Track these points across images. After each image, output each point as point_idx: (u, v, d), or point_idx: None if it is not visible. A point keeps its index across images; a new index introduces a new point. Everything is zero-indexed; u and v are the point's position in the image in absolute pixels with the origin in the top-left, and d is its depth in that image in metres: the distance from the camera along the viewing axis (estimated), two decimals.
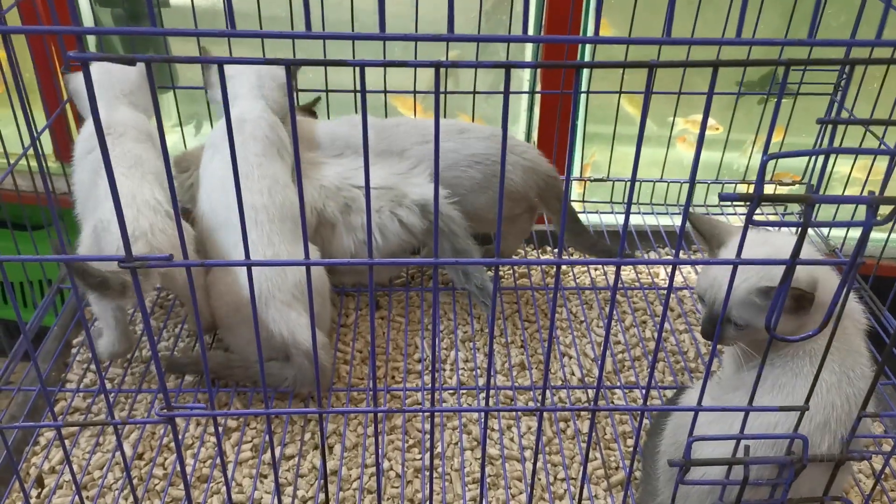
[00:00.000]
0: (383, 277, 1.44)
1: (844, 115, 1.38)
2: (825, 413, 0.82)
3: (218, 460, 1.09)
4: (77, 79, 1.27)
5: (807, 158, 1.52)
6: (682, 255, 1.54)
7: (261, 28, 1.43)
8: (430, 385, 1.23)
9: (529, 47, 1.73)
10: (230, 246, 1.17)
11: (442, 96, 1.71)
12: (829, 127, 1.42)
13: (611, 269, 1.52)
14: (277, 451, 1.10)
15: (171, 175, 0.63)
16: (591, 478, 1.09)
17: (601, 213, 1.66)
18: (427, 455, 1.11)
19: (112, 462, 1.08)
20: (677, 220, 1.63)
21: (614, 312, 1.39)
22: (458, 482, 1.07)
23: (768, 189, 1.61)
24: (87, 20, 1.81)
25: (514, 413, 1.18)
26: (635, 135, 0.62)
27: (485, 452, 0.78)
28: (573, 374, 1.27)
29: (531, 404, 1.20)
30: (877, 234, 1.34)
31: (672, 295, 1.44)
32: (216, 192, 1.20)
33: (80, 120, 1.31)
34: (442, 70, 0.59)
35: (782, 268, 0.63)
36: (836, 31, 1.72)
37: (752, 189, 1.63)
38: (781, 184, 1.66)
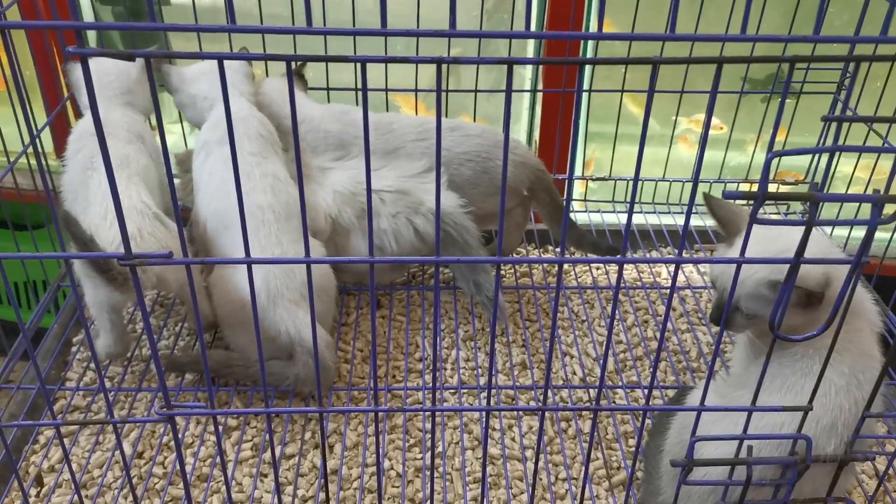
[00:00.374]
0: (386, 280, 1.44)
1: (849, 113, 1.38)
2: (832, 416, 0.81)
3: (218, 459, 1.08)
4: (78, 71, 1.26)
5: (809, 157, 1.52)
6: (684, 255, 1.53)
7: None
8: (431, 384, 1.23)
9: (531, 47, 1.73)
10: (236, 247, 1.15)
11: (444, 95, 1.71)
12: (834, 125, 1.41)
13: (612, 268, 1.52)
14: (278, 450, 1.10)
15: (171, 174, 0.62)
16: (592, 478, 1.08)
17: (602, 212, 1.66)
18: (428, 454, 1.10)
19: (112, 461, 1.08)
20: (679, 220, 1.63)
21: (616, 312, 1.39)
22: (458, 482, 1.07)
23: (771, 188, 1.60)
24: (88, 18, 1.81)
25: (515, 412, 1.17)
26: (637, 134, 0.62)
27: (486, 452, 0.77)
28: (574, 373, 1.26)
29: (532, 404, 1.20)
30: (879, 234, 1.34)
31: (674, 294, 1.44)
32: (218, 195, 1.17)
33: (80, 116, 1.30)
34: (444, 68, 0.58)
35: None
36: (838, 29, 1.71)
37: (755, 188, 1.62)
38: (784, 183, 1.65)
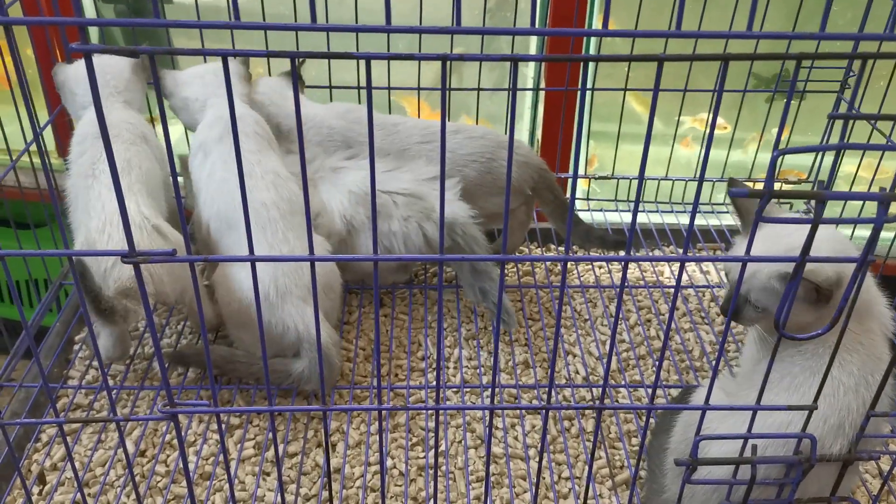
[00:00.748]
0: (389, 280, 1.43)
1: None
2: (840, 416, 0.81)
3: (221, 457, 1.08)
4: (64, 71, 1.23)
5: (812, 156, 1.51)
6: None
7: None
8: (433, 383, 1.22)
9: (534, 46, 1.73)
10: (242, 247, 1.15)
11: (448, 94, 1.70)
12: (838, 124, 1.41)
13: (615, 266, 1.52)
14: (280, 448, 1.10)
15: (176, 176, 0.62)
16: (595, 477, 1.08)
17: (605, 210, 1.66)
18: (431, 453, 1.10)
19: (114, 459, 1.08)
20: (681, 219, 1.63)
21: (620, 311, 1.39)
22: (461, 480, 1.07)
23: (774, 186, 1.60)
24: (90, 16, 1.81)
25: (517, 411, 1.17)
26: (639, 133, 0.62)
27: (490, 451, 0.77)
28: (577, 372, 1.26)
29: (535, 402, 1.19)
30: (883, 233, 1.33)
31: (678, 293, 1.43)
32: (221, 195, 1.17)
33: (70, 121, 1.27)
34: (447, 64, 0.58)
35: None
36: (842, 28, 1.71)
37: (758, 186, 1.62)
38: (787, 182, 1.65)
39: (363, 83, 1.44)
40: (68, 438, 1.11)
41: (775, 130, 1.83)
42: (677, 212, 1.64)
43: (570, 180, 1.76)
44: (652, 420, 1.12)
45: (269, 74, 1.48)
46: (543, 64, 1.64)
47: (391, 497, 1.04)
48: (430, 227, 1.27)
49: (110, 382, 1.21)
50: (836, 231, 0.92)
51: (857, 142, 1.42)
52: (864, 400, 0.82)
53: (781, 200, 1.63)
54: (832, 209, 1.75)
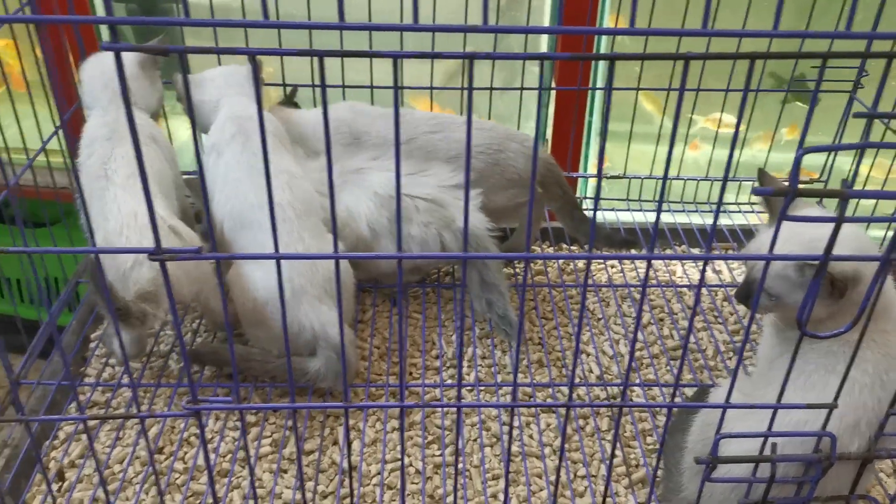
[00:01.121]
0: (407, 280, 1.44)
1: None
2: (856, 414, 0.81)
3: (240, 454, 1.09)
4: (85, 70, 1.24)
5: (825, 155, 1.51)
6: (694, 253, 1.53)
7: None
8: (449, 381, 1.23)
9: (545, 45, 1.73)
10: (257, 246, 1.14)
11: (459, 94, 1.71)
12: (852, 123, 1.41)
13: (627, 265, 1.52)
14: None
15: (204, 178, 0.63)
16: (612, 475, 1.08)
17: (617, 210, 1.66)
18: (447, 451, 1.11)
19: (132, 456, 1.09)
20: (694, 218, 1.63)
21: (632, 310, 1.39)
22: (477, 479, 1.07)
23: None
24: (100, 14, 1.82)
25: (532, 410, 1.18)
26: (650, 133, 0.62)
27: (510, 449, 0.77)
28: (591, 371, 1.26)
29: (549, 401, 1.20)
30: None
31: (690, 292, 1.44)
32: (235, 195, 1.17)
33: (84, 117, 1.28)
34: (465, 65, 0.58)
35: (825, 243, 0.63)
36: (853, 27, 1.71)
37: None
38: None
39: (373, 83, 1.45)
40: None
41: (785, 130, 1.83)
42: (688, 211, 1.65)
43: (585, 180, 1.76)
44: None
45: (283, 75, 1.49)
46: (555, 63, 1.64)
47: (408, 494, 1.05)
48: (448, 235, 1.27)
49: (126, 381, 1.21)
50: (857, 228, 0.92)
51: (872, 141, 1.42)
52: (880, 398, 0.83)
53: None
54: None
